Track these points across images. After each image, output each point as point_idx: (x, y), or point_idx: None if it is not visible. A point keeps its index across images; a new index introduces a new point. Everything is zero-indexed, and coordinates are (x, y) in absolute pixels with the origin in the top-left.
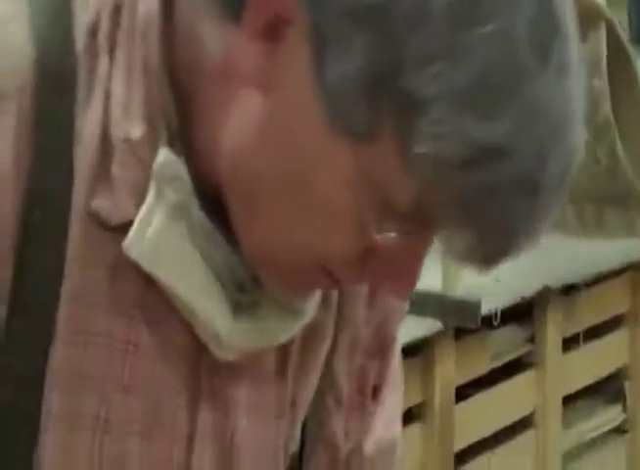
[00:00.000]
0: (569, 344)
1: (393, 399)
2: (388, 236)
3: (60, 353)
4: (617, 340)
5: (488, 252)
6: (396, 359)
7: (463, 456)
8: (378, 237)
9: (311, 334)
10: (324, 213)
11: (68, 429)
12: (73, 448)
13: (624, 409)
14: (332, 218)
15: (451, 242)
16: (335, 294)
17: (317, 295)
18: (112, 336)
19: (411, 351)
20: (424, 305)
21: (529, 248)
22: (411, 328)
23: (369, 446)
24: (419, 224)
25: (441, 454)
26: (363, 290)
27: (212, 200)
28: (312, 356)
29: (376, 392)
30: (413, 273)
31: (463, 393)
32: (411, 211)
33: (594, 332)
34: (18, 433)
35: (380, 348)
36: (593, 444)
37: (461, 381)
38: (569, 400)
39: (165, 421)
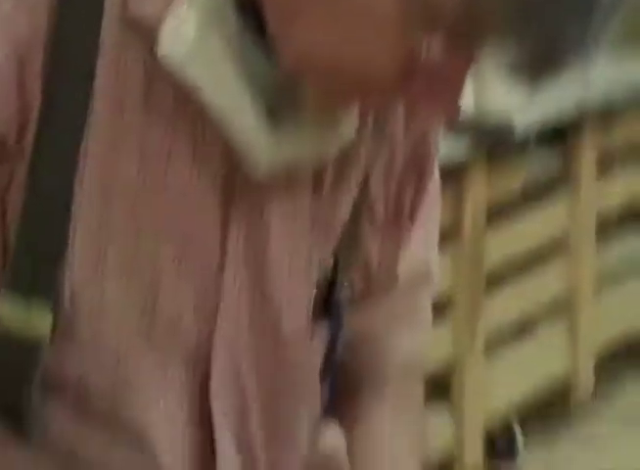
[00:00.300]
0: (604, 166)
1: (429, 223)
2: (433, 53)
3: (91, 157)
4: None
5: (535, 69)
6: (434, 183)
7: (493, 280)
8: (422, 53)
9: (347, 156)
10: (366, 18)
11: (98, 236)
12: (104, 258)
13: None
14: (374, 24)
15: (496, 58)
16: (373, 114)
17: (354, 117)
18: (147, 140)
19: (442, 173)
20: (455, 126)
21: (580, 67)
22: (442, 150)
23: (403, 267)
24: (464, 39)
25: (471, 278)
26: (401, 108)
27: (249, 10)
28: (347, 178)
29: (412, 214)
30: (456, 92)
31: (495, 216)
32: (456, 24)
33: (631, 154)
34: (47, 240)
35: (417, 168)
36: (628, 269)
37: (493, 204)
38: (603, 225)
39: (197, 236)
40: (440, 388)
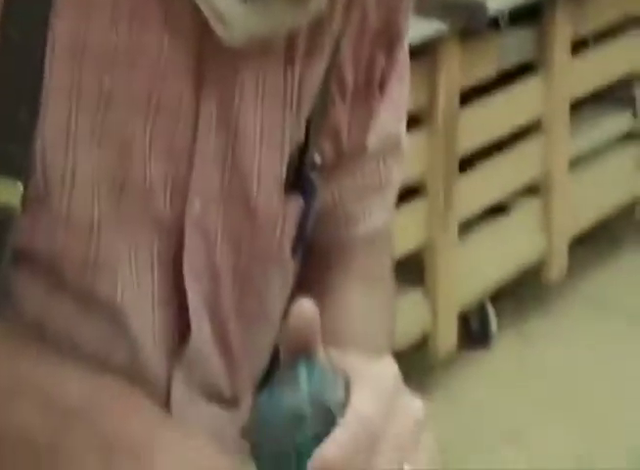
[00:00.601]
0: (578, 47)
1: (399, 98)
2: None
3: (61, 21)
4: (628, 43)
5: None
6: (404, 58)
7: (468, 162)
8: None
9: (319, 25)
10: None
11: (69, 102)
12: (75, 125)
13: (634, 115)
14: None
15: None
16: None
17: None
18: (117, 5)
19: (414, 54)
20: (427, 5)
21: None
22: (414, 30)
23: (372, 138)
24: None
25: (445, 160)
26: None
27: None
28: (320, 46)
29: (382, 84)
30: None
31: (468, 98)
32: None
33: (605, 34)
34: (18, 109)
35: (388, 39)
36: (601, 150)
37: (466, 85)
38: (577, 107)
39: (169, 104)
40: (414, 271)
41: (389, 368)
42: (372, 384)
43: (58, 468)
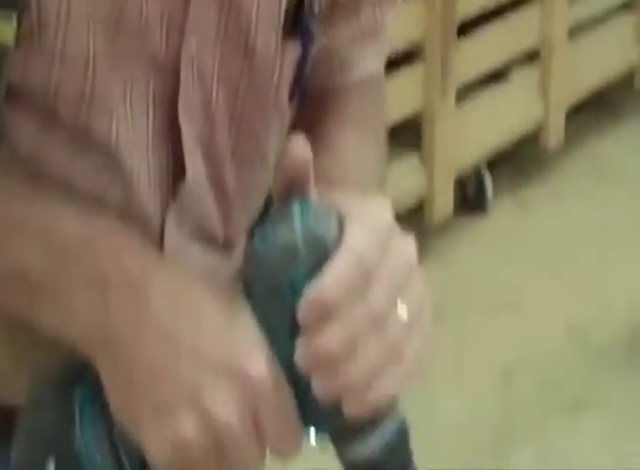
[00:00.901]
0: None
1: None
2: None
3: None
4: None
5: None
6: None
7: (466, 28)
8: None
9: None
10: None
11: None
12: None
13: None
14: None
15: None
16: None
17: None
18: None
19: None
20: None
21: None
22: None
23: None
24: None
25: (444, 25)
26: None
27: None
28: None
29: None
30: None
31: None
32: None
33: None
34: None
35: None
36: (600, 19)
37: None
38: None
39: None
40: (411, 136)
41: (383, 208)
42: (366, 223)
43: (52, 304)
